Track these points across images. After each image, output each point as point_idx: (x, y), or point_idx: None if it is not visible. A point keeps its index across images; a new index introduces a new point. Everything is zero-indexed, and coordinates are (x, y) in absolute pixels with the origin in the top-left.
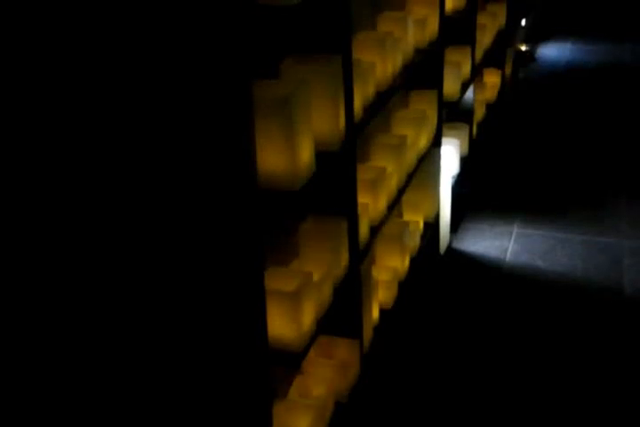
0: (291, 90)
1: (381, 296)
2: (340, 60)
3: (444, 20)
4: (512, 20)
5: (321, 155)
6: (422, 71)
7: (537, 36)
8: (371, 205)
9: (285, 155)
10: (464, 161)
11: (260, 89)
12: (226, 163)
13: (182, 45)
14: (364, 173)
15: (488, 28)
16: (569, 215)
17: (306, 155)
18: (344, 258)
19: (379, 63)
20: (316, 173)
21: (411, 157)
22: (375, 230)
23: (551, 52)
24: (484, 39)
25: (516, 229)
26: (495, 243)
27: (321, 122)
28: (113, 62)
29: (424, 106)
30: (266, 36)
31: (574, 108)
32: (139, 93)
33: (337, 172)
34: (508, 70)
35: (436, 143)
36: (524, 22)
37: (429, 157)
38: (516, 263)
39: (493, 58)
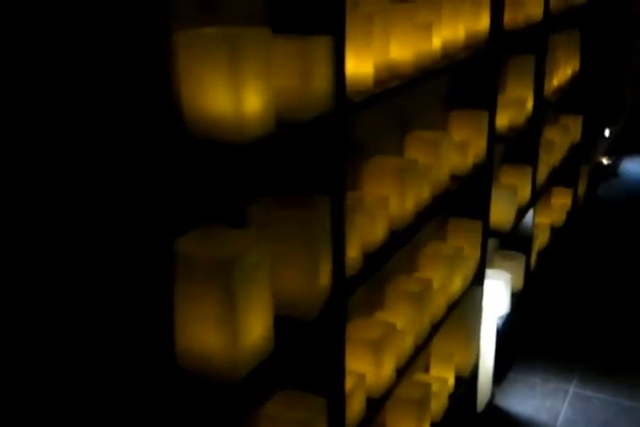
0: (237, 250)
1: None
2: (327, 201)
3: (494, 141)
4: (590, 133)
5: (290, 324)
6: (464, 198)
7: (621, 148)
8: (371, 372)
9: (223, 332)
10: (516, 298)
11: (191, 246)
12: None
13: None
14: (364, 331)
15: (558, 144)
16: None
17: (254, 332)
18: None
19: (394, 197)
20: (277, 351)
21: (438, 304)
22: (377, 403)
23: (637, 166)
24: (552, 157)
25: (572, 388)
26: (546, 403)
27: (292, 281)
28: None
29: (465, 238)
30: (220, 175)
31: None
32: None
33: (309, 347)
34: (582, 189)
35: (476, 282)
36: (607, 133)
37: (466, 299)
38: None
39: (563, 176)
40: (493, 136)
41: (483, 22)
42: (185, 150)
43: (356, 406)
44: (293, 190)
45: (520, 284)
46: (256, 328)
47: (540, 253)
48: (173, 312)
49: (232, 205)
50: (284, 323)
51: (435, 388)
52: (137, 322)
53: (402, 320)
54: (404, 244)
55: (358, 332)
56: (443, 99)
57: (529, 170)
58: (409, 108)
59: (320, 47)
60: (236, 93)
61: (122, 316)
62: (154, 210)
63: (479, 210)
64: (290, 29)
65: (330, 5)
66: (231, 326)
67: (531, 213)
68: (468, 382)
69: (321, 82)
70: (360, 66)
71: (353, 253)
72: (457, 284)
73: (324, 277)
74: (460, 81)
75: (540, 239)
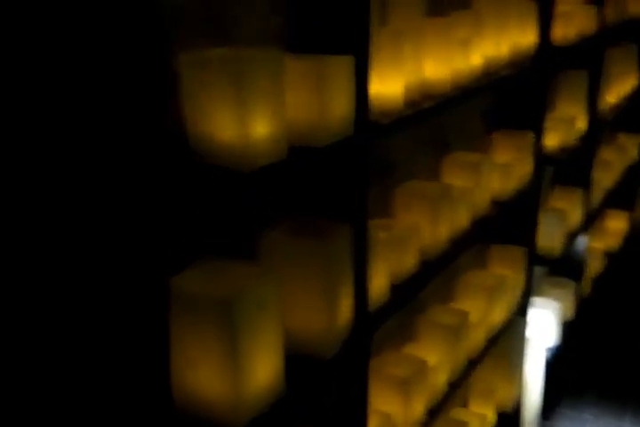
0: (240, 286)
1: None
2: (347, 230)
3: (541, 162)
4: None
5: (305, 363)
6: (508, 224)
7: None
8: (399, 413)
9: (223, 375)
10: (567, 328)
11: (189, 282)
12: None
13: None
14: (392, 367)
15: (613, 164)
16: None
17: (259, 375)
18: None
19: (427, 225)
20: (289, 394)
21: (476, 338)
22: None
23: None
24: (607, 178)
25: (626, 425)
26: None
27: (308, 316)
28: None
29: (508, 265)
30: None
31: None
32: None
33: (327, 387)
34: (639, 212)
35: (521, 311)
36: None
37: (509, 331)
38: None
39: (619, 198)
40: (540, 158)
41: (529, 37)
42: (187, 177)
43: None
44: (313, 218)
45: (571, 313)
46: (262, 370)
47: (594, 281)
48: (169, 354)
49: (242, 235)
50: (298, 362)
51: (473, 425)
52: (132, 363)
53: (435, 355)
54: (436, 274)
55: (385, 368)
56: (485, 118)
57: (580, 192)
58: (448, 129)
59: (338, 68)
60: (241, 119)
61: (116, 357)
62: (151, 242)
63: (524, 236)
64: (311, 49)
65: (352, 23)
66: (232, 370)
67: (583, 237)
68: (510, 418)
69: (340, 104)
70: (389, 86)
71: (379, 284)
72: (498, 315)
73: (344, 311)
74: (505, 99)
75: (594, 266)
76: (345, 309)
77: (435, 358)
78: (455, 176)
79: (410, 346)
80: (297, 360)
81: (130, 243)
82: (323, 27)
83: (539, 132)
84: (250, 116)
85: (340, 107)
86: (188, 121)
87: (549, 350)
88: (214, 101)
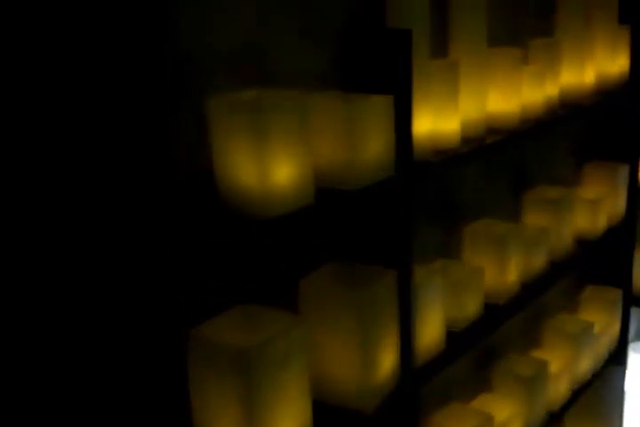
0: (263, 337)
1: None
2: (389, 277)
3: (636, 197)
4: None
5: (343, 417)
6: (600, 263)
7: None
8: None
9: None
10: None
11: (211, 331)
12: None
13: None
14: (456, 422)
15: None
16: None
17: None
18: None
19: (493, 267)
20: None
21: (558, 390)
22: None
23: None
24: None
25: None
26: None
27: (345, 368)
28: None
29: (602, 308)
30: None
31: None
32: None
33: None
34: None
35: (616, 360)
36: None
37: (602, 381)
38: None
39: None
40: (635, 192)
41: (620, 63)
42: (213, 224)
43: None
44: (357, 263)
45: None
46: (284, 424)
47: None
48: (190, 405)
49: (283, 281)
50: (335, 415)
51: None
52: (150, 414)
53: (507, 408)
54: (503, 321)
55: (448, 422)
56: (574, 150)
57: None
58: (528, 163)
59: (370, 108)
60: (261, 165)
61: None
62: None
63: (619, 276)
64: (356, 88)
65: (393, 62)
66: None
67: None
68: None
69: (375, 145)
70: (444, 122)
71: (432, 332)
72: (585, 364)
73: (386, 363)
74: (598, 129)
75: None
76: (387, 361)
77: (508, 411)
78: (536, 213)
79: (483, 397)
80: (334, 413)
81: (153, 293)
82: (365, 65)
83: (634, 164)
84: (269, 162)
85: (374, 148)
86: (215, 166)
87: None
88: (237, 146)
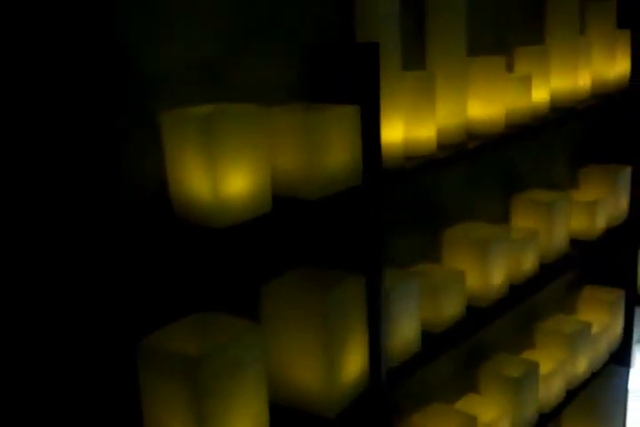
0: (215, 345)
1: None
2: (359, 281)
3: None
4: None
5: (305, 422)
6: (602, 264)
7: None
8: None
9: None
10: None
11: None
12: None
13: None
14: (438, 423)
15: None
16: None
17: None
18: None
19: (474, 270)
20: None
21: (550, 390)
22: None
23: None
24: None
25: None
26: None
27: (308, 373)
28: None
29: (602, 309)
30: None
31: None
32: None
33: None
34: None
35: (619, 361)
36: None
37: (603, 382)
38: None
39: None
40: (638, 193)
41: (620, 67)
42: (167, 234)
43: None
44: (325, 268)
45: None
46: None
47: None
48: (141, 415)
49: (240, 289)
50: (297, 420)
51: None
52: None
53: (494, 409)
54: (484, 324)
55: (427, 422)
56: (572, 154)
57: None
58: (520, 167)
59: (330, 118)
60: (212, 176)
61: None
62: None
63: (622, 277)
64: (325, 99)
65: (360, 74)
66: None
67: None
68: None
69: (340, 155)
70: (419, 129)
71: (408, 334)
72: (582, 365)
73: (352, 368)
74: (596, 133)
75: None
76: (353, 365)
77: (493, 412)
78: (525, 216)
79: (470, 397)
80: (297, 418)
81: (105, 304)
82: (334, 78)
83: (637, 166)
84: (220, 173)
85: (338, 157)
86: (169, 179)
87: None
88: (189, 159)
